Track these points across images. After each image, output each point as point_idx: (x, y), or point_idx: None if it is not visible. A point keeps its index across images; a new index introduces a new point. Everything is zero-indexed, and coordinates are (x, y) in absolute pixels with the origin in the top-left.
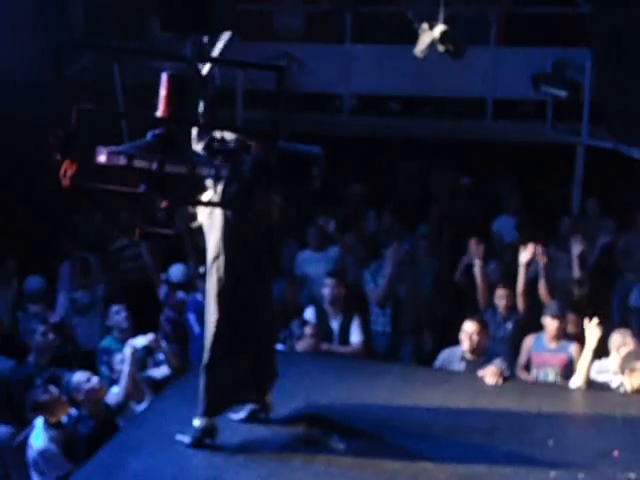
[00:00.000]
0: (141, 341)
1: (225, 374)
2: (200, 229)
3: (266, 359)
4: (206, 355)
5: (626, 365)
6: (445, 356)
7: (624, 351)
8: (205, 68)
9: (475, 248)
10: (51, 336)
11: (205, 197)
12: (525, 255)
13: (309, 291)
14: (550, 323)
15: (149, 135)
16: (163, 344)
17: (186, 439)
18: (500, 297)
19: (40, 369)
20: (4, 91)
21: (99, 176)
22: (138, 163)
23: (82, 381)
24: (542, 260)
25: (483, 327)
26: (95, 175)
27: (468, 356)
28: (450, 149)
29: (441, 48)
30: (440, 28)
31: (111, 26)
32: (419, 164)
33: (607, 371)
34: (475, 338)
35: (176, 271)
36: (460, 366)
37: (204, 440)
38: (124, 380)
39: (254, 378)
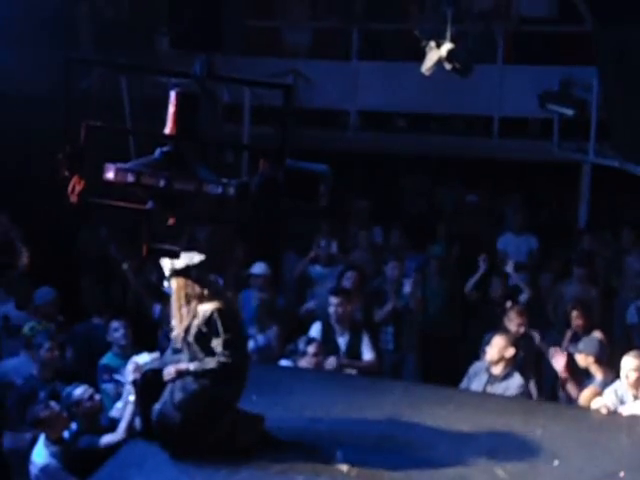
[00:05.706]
0: (144, 358)
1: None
2: None
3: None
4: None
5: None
6: (473, 368)
7: (633, 375)
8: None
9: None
10: (56, 352)
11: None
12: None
13: (316, 306)
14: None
15: (157, 152)
16: None
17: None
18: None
19: (44, 383)
20: (13, 107)
21: (106, 192)
22: (146, 180)
23: (83, 396)
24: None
25: (509, 342)
26: (102, 191)
27: (492, 369)
28: (456, 166)
29: (448, 66)
30: (447, 46)
31: (118, 42)
32: (425, 181)
33: (625, 400)
34: (500, 352)
35: None
36: (482, 378)
37: None
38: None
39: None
